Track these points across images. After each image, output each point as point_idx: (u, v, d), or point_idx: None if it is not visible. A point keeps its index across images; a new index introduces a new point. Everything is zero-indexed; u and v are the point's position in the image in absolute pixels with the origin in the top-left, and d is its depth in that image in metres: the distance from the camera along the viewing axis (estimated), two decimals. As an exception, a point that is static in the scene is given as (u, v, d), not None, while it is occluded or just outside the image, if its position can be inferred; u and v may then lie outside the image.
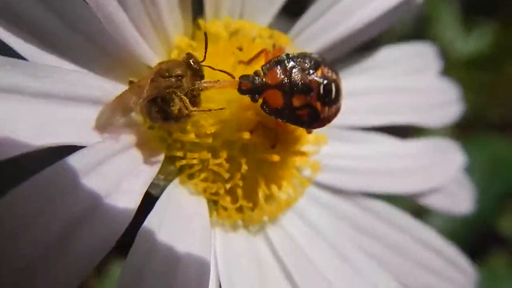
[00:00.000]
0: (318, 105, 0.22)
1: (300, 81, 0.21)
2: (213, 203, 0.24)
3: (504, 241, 0.71)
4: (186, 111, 0.21)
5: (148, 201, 0.20)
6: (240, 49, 0.24)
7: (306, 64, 0.22)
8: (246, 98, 0.22)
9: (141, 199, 0.19)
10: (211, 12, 0.25)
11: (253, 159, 0.23)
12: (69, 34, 0.20)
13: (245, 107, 0.23)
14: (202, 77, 0.21)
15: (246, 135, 0.22)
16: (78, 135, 0.18)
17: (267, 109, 0.22)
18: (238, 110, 0.23)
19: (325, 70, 0.22)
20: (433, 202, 0.33)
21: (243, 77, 0.21)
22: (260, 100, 0.22)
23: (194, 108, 0.21)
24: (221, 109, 0.22)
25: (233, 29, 0.26)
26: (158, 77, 0.20)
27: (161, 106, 0.20)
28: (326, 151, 0.29)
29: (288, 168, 0.26)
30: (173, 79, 0.20)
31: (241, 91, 0.21)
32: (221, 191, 0.23)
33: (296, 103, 0.21)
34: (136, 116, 0.22)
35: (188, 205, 0.22)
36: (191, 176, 0.23)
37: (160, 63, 0.21)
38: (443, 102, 0.33)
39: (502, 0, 0.84)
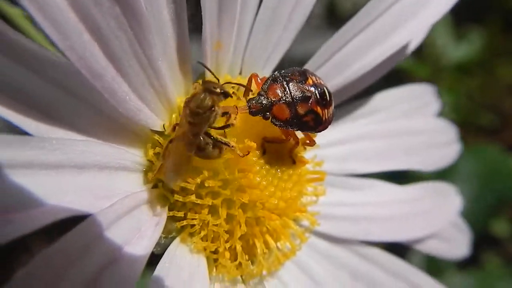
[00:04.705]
0: (319, 109, 0.24)
1: (299, 91, 0.24)
2: (213, 259, 0.24)
3: (497, 243, 0.73)
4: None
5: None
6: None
7: (297, 77, 0.24)
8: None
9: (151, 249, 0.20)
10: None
11: (252, 217, 0.24)
12: (73, 105, 0.20)
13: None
14: (227, 94, 0.22)
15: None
16: (89, 204, 0.19)
17: (277, 123, 0.23)
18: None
19: (313, 78, 0.24)
20: (430, 247, 0.33)
21: (250, 100, 0.23)
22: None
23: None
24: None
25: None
26: (193, 117, 0.21)
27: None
28: (325, 199, 0.29)
29: (287, 223, 0.26)
30: (208, 114, 0.21)
31: (252, 112, 0.23)
32: (221, 249, 0.24)
33: (301, 110, 0.23)
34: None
35: (188, 265, 0.22)
36: (191, 235, 0.24)
37: (186, 103, 0.22)
38: (441, 143, 0.34)
39: (492, 7, 0.85)
